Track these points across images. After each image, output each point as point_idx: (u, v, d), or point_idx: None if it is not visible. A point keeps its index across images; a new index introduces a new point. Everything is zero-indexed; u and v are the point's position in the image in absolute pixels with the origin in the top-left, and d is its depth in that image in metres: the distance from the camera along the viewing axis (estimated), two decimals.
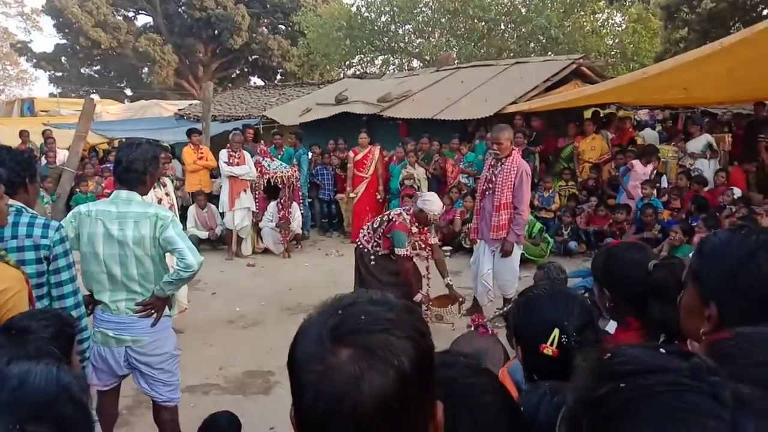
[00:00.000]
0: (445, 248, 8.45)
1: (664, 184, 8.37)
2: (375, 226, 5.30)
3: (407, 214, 5.13)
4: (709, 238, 1.28)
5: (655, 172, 8.11)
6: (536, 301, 1.49)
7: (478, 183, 5.84)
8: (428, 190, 9.58)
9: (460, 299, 5.23)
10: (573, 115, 9.74)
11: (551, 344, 1.38)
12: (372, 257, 5.19)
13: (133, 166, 2.88)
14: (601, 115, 10.33)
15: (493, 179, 5.21)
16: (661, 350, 0.68)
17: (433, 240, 5.31)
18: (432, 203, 5.03)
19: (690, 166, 8.29)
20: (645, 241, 6.70)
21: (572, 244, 8.04)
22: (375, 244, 5.23)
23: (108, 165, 10.41)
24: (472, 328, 3.25)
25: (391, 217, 5.23)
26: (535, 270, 4.93)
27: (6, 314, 1.91)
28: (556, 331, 1.38)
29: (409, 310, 0.82)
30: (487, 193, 5.31)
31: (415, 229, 5.11)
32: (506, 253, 5.26)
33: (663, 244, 6.17)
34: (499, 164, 5.20)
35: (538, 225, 7.68)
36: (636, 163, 8.03)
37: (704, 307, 1.19)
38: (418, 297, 5.04)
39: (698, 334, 1.20)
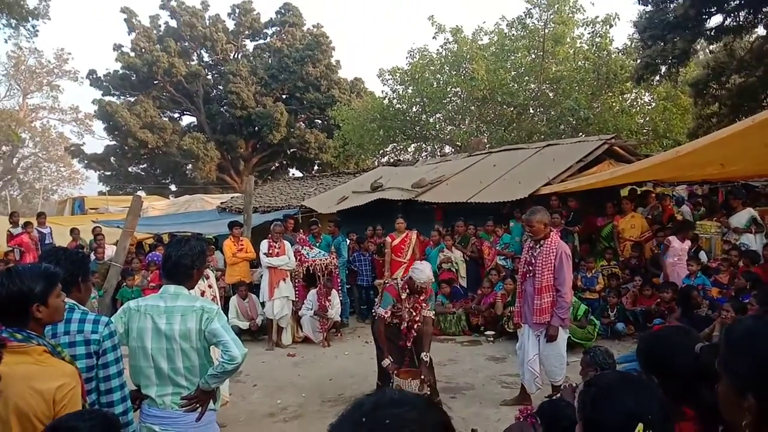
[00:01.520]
0: (488, 333, 8.29)
1: (703, 259, 8.15)
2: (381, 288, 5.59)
3: (401, 280, 5.37)
4: (735, 326, 1.23)
5: (694, 248, 7.95)
6: (613, 391, 1.37)
7: (518, 265, 5.79)
8: (466, 273, 9.55)
9: (426, 379, 5.03)
10: (609, 193, 9.71)
11: None
12: (375, 318, 5.43)
13: (182, 261, 2.98)
14: (638, 192, 10.27)
15: (533, 261, 5.16)
16: None
17: (428, 313, 5.37)
18: (420, 271, 5.14)
19: (735, 242, 8.07)
20: (694, 321, 6.45)
21: (620, 326, 7.78)
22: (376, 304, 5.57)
23: (153, 258, 10.73)
24: (521, 419, 3.12)
25: (386, 282, 5.48)
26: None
27: (62, 410, 1.96)
28: (641, 426, 1.27)
29: (431, 405, 0.82)
30: (527, 275, 5.25)
31: (404, 295, 5.22)
32: (551, 337, 5.11)
33: (714, 324, 5.92)
34: (538, 246, 5.17)
35: (583, 307, 7.48)
36: (673, 239, 7.91)
37: (741, 399, 1.13)
38: (385, 362, 5.09)
39: (741, 427, 1.14)
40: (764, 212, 8.79)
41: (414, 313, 5.29)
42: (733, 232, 8.22)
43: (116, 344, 2.55)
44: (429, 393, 5.09)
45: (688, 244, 7.94)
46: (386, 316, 5.22)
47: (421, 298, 5.25)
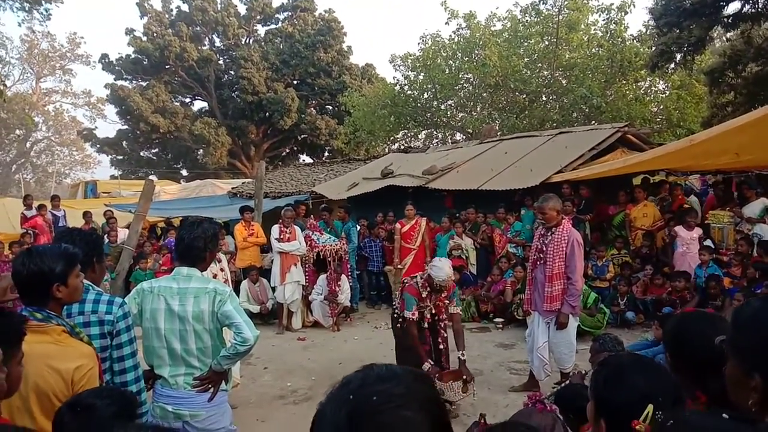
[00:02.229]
0: (497, 320, 8.31)
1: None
2: (400, 287, 5.36)
3: (421, 279, 5.11)
4: (743, 307, 1.25)
5: (702, 236, 7.93)
6: (625, 372, 1.40)
7: (529, 253, 5.77)
8: (476, 260, 9.56)
9: (468, 378, 4.92)
10: (622, 182, 9.65)
11: (644, 421, 1.27)
12: (399, 320, 5.17)
13: (195, 243, 3.00)
14: (651, 181, 10.19)
15: (544, 249, 5.15)
16: (724, 416, 0.67)
17: (454, 309, 5.18)
18: (438, 269, 4.91)
19: (748, 231, 8.01)
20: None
21: (630, 315, 7.77)
22: (399, 306, 5.26)
23: (166, 242, 10.81)
24: (530, 405, 3.15)
25: (405, 281, 5.24)
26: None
27: (80, 390, 1.99)
28: (650, 407, 1.28)
29: (419, 379, 0.82)
30: (538, 263, 5.24)
31: (425, 294, 5.01)
32: (561, 325, 5.11)
33: (726, 314, 5.89)
34: (549, 234, 5.16)
35: (593, 295, 7.47)
36: (679, 228, 7.90)
37: (748, 379, 1.15)
38: (425, 366, 4.85)
39: (748, 407, 1.16)
40: None
41: (436, 312, 5.12)
42: (746, 222, 8.15)
43: (130, 325, 2.58)
44: (474, 393, 5.00)
45: (697, 232, 7.90)
46: (414, 317, 4.97)
47: (443, 295, 5.06)
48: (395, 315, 5.25)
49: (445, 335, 5.23)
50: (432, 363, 4.95)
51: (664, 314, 6.67)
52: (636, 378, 1.37)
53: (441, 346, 5.23)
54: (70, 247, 2.31)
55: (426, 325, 5.13)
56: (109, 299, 2.57)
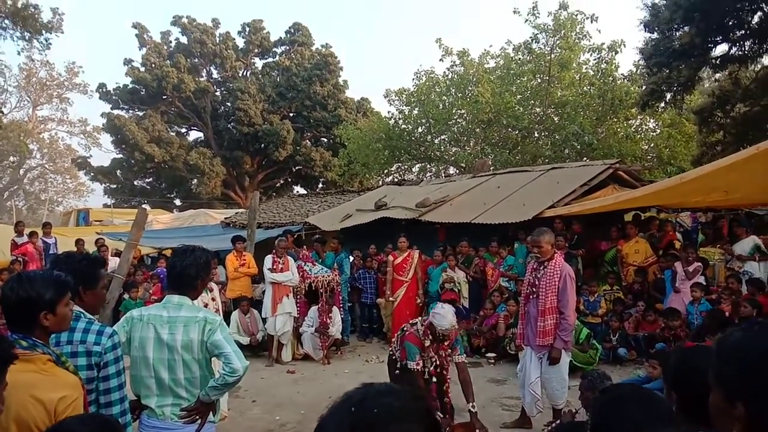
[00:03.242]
0: (489, 355, 8.25)
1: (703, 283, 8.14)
2: (400, 334, 5.10)
3: (421, 326, 4.88)
4: (726, 337, 1.27)
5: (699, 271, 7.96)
6: (622, 401, 1.41)
7: (522, 287, 5.77)
8: (469, 294, 9.53)
9: (482, 430, 4.78)
10: (613, 218, 9.72)
11: None
12: (398, 366, 4.95)
13: (187, 271, 2.98)
14: (642, 218, 10.28)
15: (537, 283, 5.15)
16: None
17: (459, 358, 4.97)
18: (441, 317, 4.68)
19: (739, 269, 8.05)
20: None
21: (622, 351, 7.73)
22: (399, 353, 5.01)
23: (156, 271, 10.74)
24: None
25: (405, 328, 5.02)
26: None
27: None
28: None
29: (417, 397, 0.84)
30: (531, 297, 5.24)
31: (428, 343, 4.78)
32: (554, 360, 5.08)
33: None
34: (541, 268, 5.17)
35: (585, 331, 7.45)
36: (677, 265, 7.92)
37: (731, 408, 1.17)
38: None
39: None
40: None
41: (439, 362, 4.89)
42: (737, 259, 8.20)
43: (119, 356, 2.53)
44: None
45: (695, 266, 7.92)
46: (419, 368, 4.76)
47: (446, 344, 4.86)
48: (394, 359, 5.04)
49: (450, 390, 5.02)
50: (442, 416, 4.79)
51: (657, 351, 6.64)
52: (633, 408, 1.38)
53: (446, 399, 5.03)
54: (62, 274, 2.28)
55: (434, 379, 4.89)
56: (98, 329, 2.51)
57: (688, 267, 7.91)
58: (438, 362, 4.89)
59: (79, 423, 1.81)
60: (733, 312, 7.19)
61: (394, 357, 5.04)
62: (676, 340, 7.00)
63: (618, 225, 9.50)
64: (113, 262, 10.34)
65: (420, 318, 5.20)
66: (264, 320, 8.49)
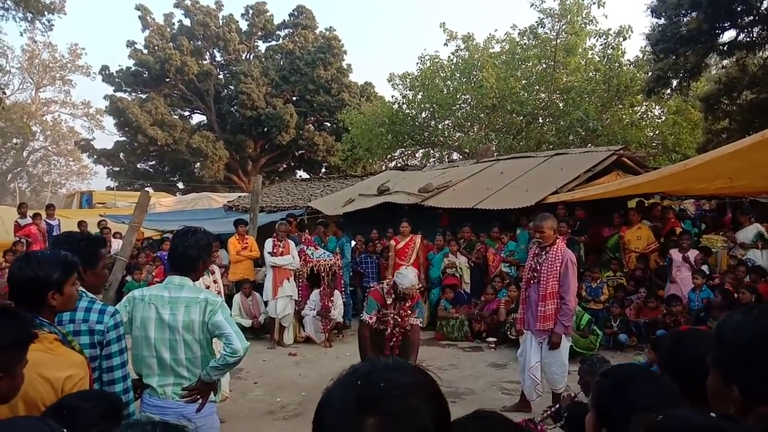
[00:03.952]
0: (490, 339, 8.28)
1: (706, 271, 8.14)
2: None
3: (387, 285, 5.23)
4: (725, 321, 1.27)
5: (701, 258, 7.96)
6: (627, 383, 1.40)
7: (523, 272, 5.78)
8: (470, 279, 9.55)
9: None
10: (616, 204, 9.69)
11: None
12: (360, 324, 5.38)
13: (188, 252, 2.99)
14: (646, 204, 10.24)
15: (538, 268, 5.16)
16: (711, 414, 0.68)
17: (414, 320, 5.26)
18: (403, 276, 5.05)
19: (741, 257, 8.04)
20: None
21: (622, 337, 7.75)
22: None
23: (159, 254, 10.77)
24: (523, 424, 3.13)
25: (371, 285, 5.45)
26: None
27: None
28: None
29: (423, 372, 0.85)
30: (532, 282, 5.24)
31: (389, 301, 5.12)
32: (554, 345, 5.09)
33: None
34: (543, 253, 5.17)
35: (587, 317, 7.47)
36: (673, 252, 7.92)
37: (728, 390, 1.18)
38: None
39: None
40: None
41: (400, 320, 5.19)
42: (740, 247, 8.18)
43: (121, 335, 2.54)
44: None
45: (692, 254, 7.92)
46: (371, 321, 5.14)
47: (407, 304, 5.14)
48: (361, 319, 5.41)
49: (398, 344, 5.27)
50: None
51: (657, 337, 6.66)
52: (639, 389, 1.38)
53: (387, 353, 5.27)
54: (68, 254, 2.28)
55: (389, 330, 5.23)
56: (101, 308, 2.53)
57: (686, 254, 7.91)
58: (398, 320, 5.19)
59: (83, 399, 1.83)
60: (737, 299, 7.20)
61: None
62: (677, 326, 7.01)
63: (621, 211, 9.47)
64: (116, 244, 10.38)
65: (387, 280, 5.62)
66: (266, 303, 8.53)
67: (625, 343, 7.70)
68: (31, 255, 2.23)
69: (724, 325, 1.25)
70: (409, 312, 5.19)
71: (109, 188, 31.12)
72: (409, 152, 24.86)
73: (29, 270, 2.13)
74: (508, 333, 7.99)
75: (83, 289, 2.55)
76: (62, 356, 2.10)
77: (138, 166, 33.78)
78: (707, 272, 8.04)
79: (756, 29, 13.37)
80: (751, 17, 13.09)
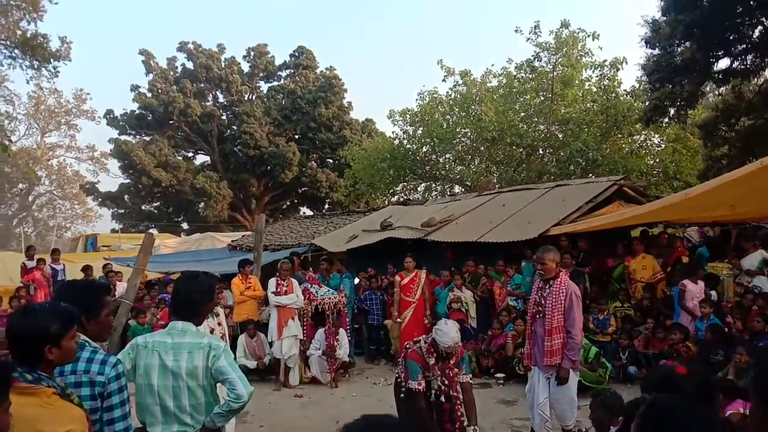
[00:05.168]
0: (498, 375, 8.17)
1: (714, 298, 7.99)
2: (403, 353, 4.89)
3: (425, 343, 4.65)
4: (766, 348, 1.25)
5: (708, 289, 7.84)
6: (675, 417, 1.33)
7: (528, 306, 5.73)
8: (476, 314, 9.47)
9: None
10: (620, 234, 9.68)
11: None
12: (402, 389, 4.71)
13: (191, 297, 3.00)
14: (650, 233, 10.22)
15: (543, 302, 5.12)
16: None
17: (464, 378, 4.73)
18: (444, 334, 4.47)
19: (748, 284, 7.97)
20: (711, 364, 6.32)
21: (632, 369, 7.64)
22: (403, 374, 4.78)
23: (163, 296, 10.75)
24: None
25: (407, 345, 4.81)
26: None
27: None
28: None
29: (417, 429, 0.83)
30: (537, 316, 5.20)
31: (432, 361, 4.56)
32: (562, 380, 5.02)
33: (728, 367, 5.79)
34: (547, 287, 5.14)
35: (594, 349, 7.37)
36: (687, 282, 7.77)
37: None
38: None
39: None
40: None
41: (447, 382, 4.63)
42: (746, 274, 8.12)
43: (123, 386, 2.50)
44: None
45: (701, 285, 7.80)
46: (421, 388, 4.50)
47: (452, 362, 4.63)
48: (398, 381, 4.82)
49: (462, 411, 4.68)
50: None
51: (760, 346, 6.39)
52: (688, 422, 1.31)
53: (457, 424, 4.67)
54: (68, 307, 2.26)
55: (442, 398, 4.62)
56: (102, 359, 2.48)
57: (698, 286, 7.74)
58: (445, 382, 4.67)
59: None
60: (743, 328, 7.11)
61: (399, 379, 4.86)
62: (679, 356, 6.90)
63: (624, 241, 9.45)
64: (121, 288, 10.37)
65: (424, 336, 4.97)
66: (270, 344, 8.46)
67: (635, 376, 7.57)
68: (29, 307, 2.23)
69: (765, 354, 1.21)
70: (456, 370, 4.68)
71: (113, 231, 31.27)
72: (411, 186, 24.97)
73: (26, 323, 2.12)
74: (517, 368, 7.88)
75: (86, 339, 2.53)
76: (60, 410, 2.08)
77: (142, 207, 33.98)
78: (714, 300, 7.94)
79: (749, 57, 13.56)
80: (744, 45, 13.29)
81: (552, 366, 5.05)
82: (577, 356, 5.15)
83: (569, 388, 5.08)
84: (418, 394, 4.49)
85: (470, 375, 4.98)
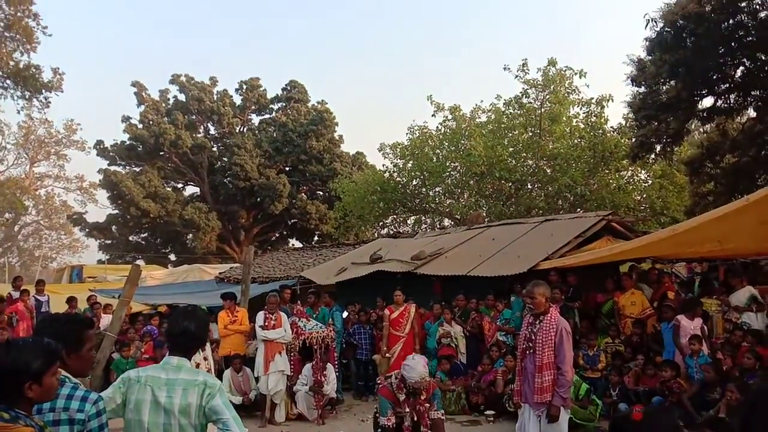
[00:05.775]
0: (488, 412, 8.05)
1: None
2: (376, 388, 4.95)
3: (395, 379, 4.62)
4: (763, 389, 1.23)
5: (701, 326, 7.81)
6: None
7: (518, 341, 5.68)
8: (466, 349, 9.38)
9: None
10: (609, 269, 9.70)
11: None
12: (379, 425, 4.66)
13: (186, 333, 2.94)
14: (639, 268, 10.24)
15: (533, 338, 5.08)
16: None
17: (435, 414, 4.65)
18: (411, 369, 4.45)
19: (736, 320, 7.98)
20: (703, 401, 6.27)
21: (622, 406, 7.55)
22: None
23: (148, 329, 10.57)
24: None
25: (379, 380, 4.83)
26: None
27: None
28: None
29: None
30: (527, 352, 5.15)
31: (402, 397, 4.51)
32: (553, 418, 4.93)
33: (720, 405, 5.76)
34: (537, 322, 5.11)
35: (585, 386, 7.30)
36: (681, 318, 7.72)
37: None
38: None
39: None
40: (764, 290, 8.72)
41: (416, 418, 4.59)
42: (734, 310, 8.13)
43: (103, 423, 2.45)
44: None
45: (698, 321, 7.72)
46: (390, 424, 4.48)
47: (422, 398, 4.59)
48: (376, 415, 4.79)
49: None
50: None
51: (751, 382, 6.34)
52: None
53: None
54: (51, 342, 2.21)
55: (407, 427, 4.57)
56: (83, 395, 2.43)
57: (693, 322, 7.66)
58: (415, 418, 4.59)
59: None
60: (733, 365, 7.08)
61: (376, 414, 4.81)
62: (671, 394, 6.84)
63: (613, 276, 9.47)
64: (105, 320, 10.20)
65: (395, 371, 4.95)
66: (257, 379, 8.31)
67: None
68: (11, 343, 2.18)
69: (763, 394, 1.20)
70: (427, 405, 4.63)
71: (100, 262, 30.90)
72: (401, 219, 25.06)
73: (7, 359, 2.07)
74: (507, 405, 7.78)
75: (66, 374, 2.47)
76: None
77: (130, 238, 33.70)
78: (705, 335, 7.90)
79: (732, 96, 13.89)
80: (727, 84, 13.62)
81: (542, 403, 4.98)
82: (568, 394, 5.08)
83: (560, 426, 5.00)
84: (389, 429, 4.45)
85: (442, 411, 4.94)
